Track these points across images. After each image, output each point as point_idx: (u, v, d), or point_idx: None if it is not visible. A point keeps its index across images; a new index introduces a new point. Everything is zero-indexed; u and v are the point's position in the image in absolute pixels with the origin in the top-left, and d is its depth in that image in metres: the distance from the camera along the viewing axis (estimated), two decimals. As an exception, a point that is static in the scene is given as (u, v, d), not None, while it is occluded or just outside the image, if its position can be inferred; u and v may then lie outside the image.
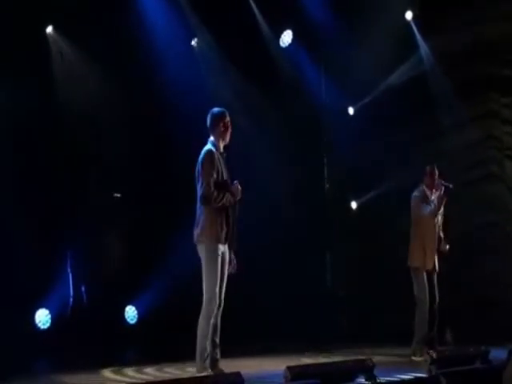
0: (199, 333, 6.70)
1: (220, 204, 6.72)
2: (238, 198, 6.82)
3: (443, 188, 8.50)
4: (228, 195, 6.74)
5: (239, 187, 6.82)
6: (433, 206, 8.57)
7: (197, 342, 6.72)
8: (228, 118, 6.93)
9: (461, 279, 9.48)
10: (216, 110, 6.99)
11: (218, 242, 6.75)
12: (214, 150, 6.84)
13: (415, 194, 8.71)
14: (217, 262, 6.71)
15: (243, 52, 10.79)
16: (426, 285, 8.48)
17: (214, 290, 6.68)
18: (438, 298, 8.53)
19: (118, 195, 10.37)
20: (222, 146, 6.93)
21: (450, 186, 8.48)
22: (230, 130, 6.93)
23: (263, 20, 11.43)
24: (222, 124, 6.91)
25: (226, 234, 6.80)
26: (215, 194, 6.69)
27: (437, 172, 8.67)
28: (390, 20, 11.10)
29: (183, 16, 10.71)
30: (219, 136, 6.91)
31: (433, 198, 8.62)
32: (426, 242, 8.57)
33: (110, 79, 10.22)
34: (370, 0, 11.02)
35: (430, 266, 8.53)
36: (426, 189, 8.68)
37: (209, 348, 6.69)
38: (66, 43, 10.22)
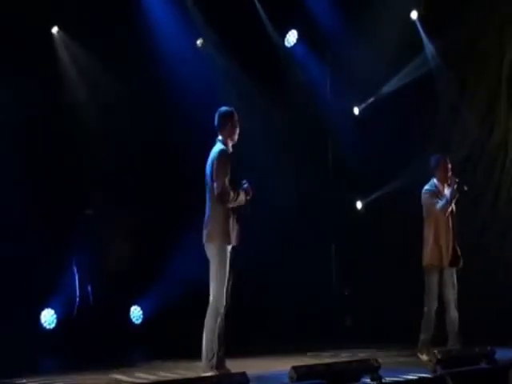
0: (206, 333, 6.70)
1: (235, 203, 6.73)
2: (250, 197, 6.82)
3: (456, 184, 8.14)
4: (242, 195, 6.76)
5: (249, 187, 6.84)
6: (444, 200, 8.20)
7: (203, 342, 6.73)
8: (236, 117, 6.93)
9: (467, 279, 9.42)
10: (224, 108, 6.99)
11: (229, 242, 6.75)
12: (225, 149, 6.85)
13: (426, 188, 8.37)
14: (226, 262, 6.73)
15: (248, 52, 10.78)
16: (437, 285, 8.24)
17: (221, 291, 6.69)
18: (454, 297, 8.25)
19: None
20: (230, 145, 6.94)
21: (465, 188, 8.19)
22: (237, 129, 6.92)
23: (268, 20, 11.43)
24: (230, 123, 6.91)
25: (236, 233, 6.82)
26: (231, 193, 6.70)
27: (449, 165, 8.35)
28: (396, 19, 11.08)
29: (188, 16, 10.72)
30: (227, 135, 6.91)
31: (446, 192, 8.25)
32: (439, 238, 8.25)
33: (114, 79, 10.22)
34: (376, -1, 11.03)
35: (444, 264, 8.23)
36: (437, 183, 8.35)
37: (215, 348, 6.68)
38: (71, 44, 10.24)
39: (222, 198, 6.71)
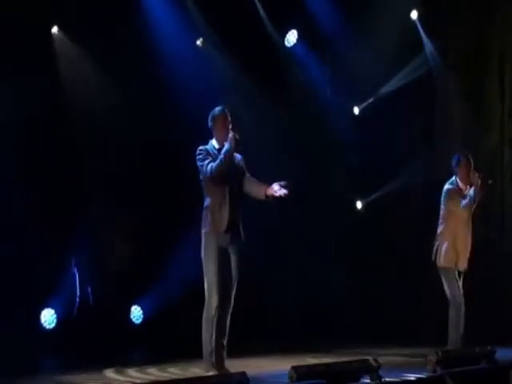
0: (203, 332, 6.70)
1: (223, 163, 6.64)
2: (232, 141, 6.72)
3: (479, 180, 7.83)
4: (222, 152, 6.69)
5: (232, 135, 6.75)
6: (468, 198, 7.91)
7: (202, 342, 6.72)
8: (228, 117, 6.89)
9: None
10: (216, 109, 6.95)
11: (216, 235, 6.69)
12: (206, 147, 6.84)
13: (448, 186, 8.10)
14: (213, 257, 6.66)
15: (248, 52, 10.78)
16: (458, 282, 8.02)
17: (213, 287, 6.65)
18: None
19: None
20: (223, 144, 6.85)
21: (490, 181, 7.93)
22: (228, 129, 6.85)
23: (268, 20, 11.43)
24: (221, 123, 6.88)
25: (228, 226, 6.73)
26: (210, 165, 6.68)
27: (472, 163, 8.07)
28: (396, 19, 11.08)
29: (188, 16, 10.72)
30: (219, 135, 6.88)
31: (469, 191, 7.93)
32: (458, 239, 8.04)
33: (114, 79, 10.21)
34: (376, -1, 11.04)
35: (462, 267, 8.04)
36: (459, 181, 8.08)
37: (214, 347, 6.67)
38: (70, 44, 10.24)
39: (212, 174, 6.67)
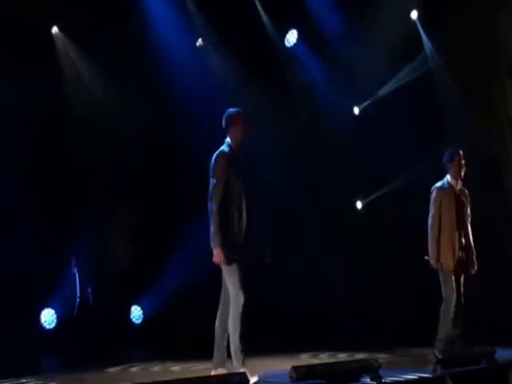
0: (232, 330, 6.66)
1: (218, 208, 6.56)
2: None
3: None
4: (218, 241, 6.56)
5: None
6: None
7: (230, 341, 6.69)
8: (244, 118, 6.85)
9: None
10: (231, 110, 6.89)
11: (233, 241, 6.66)
12: (227, 150, 6.77)
13: (437, 185, 7.92)
14: (234, 264, 6.66)
15: (248, 52, 10.78)
16: (454, 284, 7.87)
17: (237, 285, 6.71)
18: (463, 296, 7.98)
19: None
20: (238, 146, 6.82)
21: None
22: (245, 131, 6.81)
23: (268, 20, 11.44)
24: (237, 124, 6.83)
25: (242, 230, 6.72)
26: (219, 197, 6.57)
27: (463, 160, 7.95)
28: (396, 19, 11.09)
29: (188, 16, 10.73)
30: (235, 136, 6.82)
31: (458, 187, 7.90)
32: (448, 239, 7.86)
33: (114, 79, 10.23)
34: (376, -1, 11.04)
35: (454, 266, 7.84)
36: (451, 179, 7.94)
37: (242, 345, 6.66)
38: (70, 43, 10.26)
39: (211, 199, 6.61)
